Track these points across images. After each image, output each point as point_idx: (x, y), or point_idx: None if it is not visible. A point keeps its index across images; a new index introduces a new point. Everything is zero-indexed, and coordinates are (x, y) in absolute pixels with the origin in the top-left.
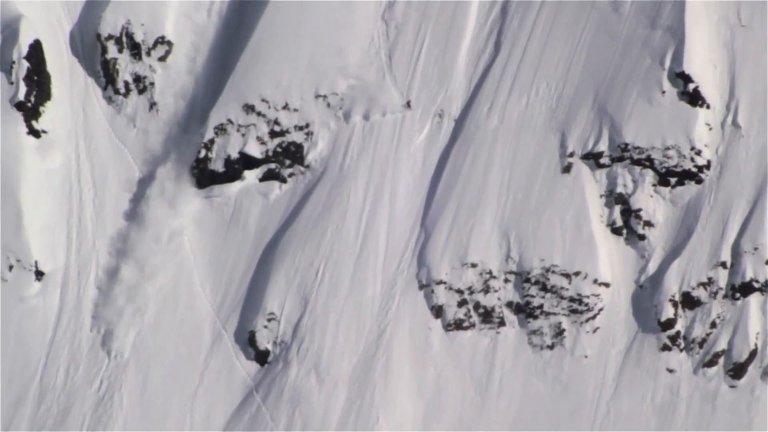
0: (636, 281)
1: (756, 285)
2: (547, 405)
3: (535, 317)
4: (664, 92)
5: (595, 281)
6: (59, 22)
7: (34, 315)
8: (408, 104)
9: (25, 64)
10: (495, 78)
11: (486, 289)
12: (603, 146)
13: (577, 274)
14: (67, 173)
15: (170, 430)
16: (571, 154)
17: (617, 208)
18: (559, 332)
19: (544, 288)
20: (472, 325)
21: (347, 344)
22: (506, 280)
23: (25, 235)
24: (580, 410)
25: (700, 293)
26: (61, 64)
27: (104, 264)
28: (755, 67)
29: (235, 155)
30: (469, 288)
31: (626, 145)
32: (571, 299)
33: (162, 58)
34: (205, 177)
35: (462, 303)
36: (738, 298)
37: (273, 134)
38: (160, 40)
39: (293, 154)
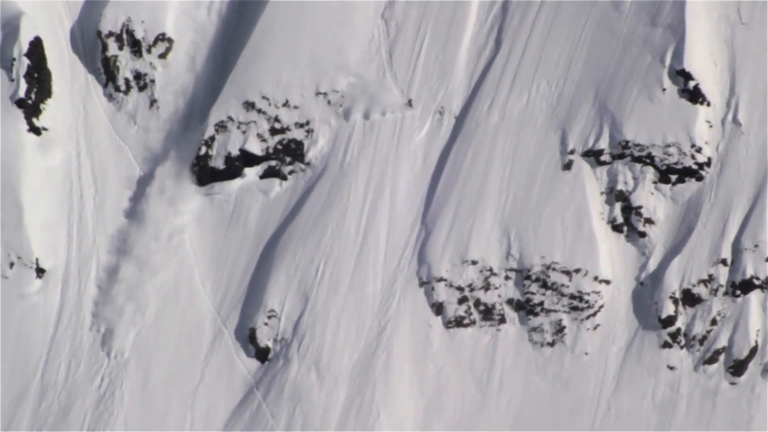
0: (636, 278)
1: (756, 282)
2: (548, 402)
3: (536, 314)
4: (664, 89)
5: (596, 278)
6: (60, 20)
7: (34, 312)
8: (409, 103)
9: (26, 61)
10: (495, 75)
11: (486, 287)
12: (603, 143)
13: (577, 271)
14: (67, 170)
15: (171, 427)
16: (572, 152)
17: (618, 206)
18: (560, 329)
19: (544, 285)
20: (473, 323)
21: (348, 341)
22: (507, 278)
23: (25, 233)
24: (580, 407)
25: (701, 290)
26: (61, 61)
27: (105, 262)
28: (755, 64)
29: (235, 152)
30: (470, 285)
31: (627, 142)
32: (572, 296)
33: (162, 56)
34: (205, 174)
35: (462, 300)
36: (738, 295)
37: (273, 131)
38: (161, 38)
39: (294, 151)
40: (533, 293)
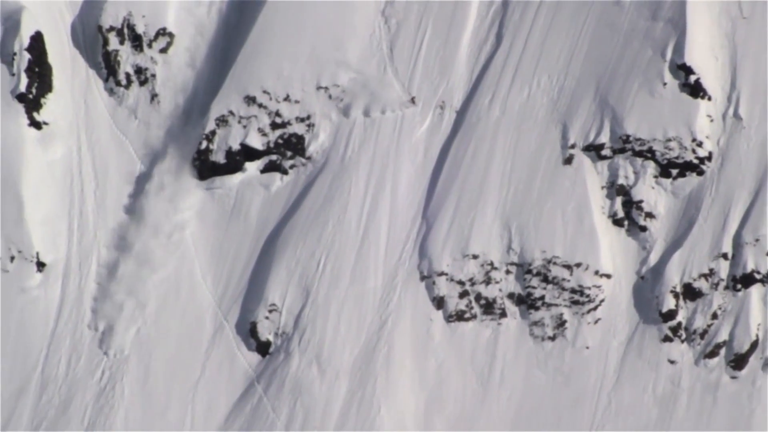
0: (637, 272)
1: (757, 276)
2: (549, 396)
3: (537, 308)
4: (665, 84)
5: (597, 272)
6: (61, 14)
7: (35, 306)
8: (413, 100)
9: (27, 56)
10: (496, 70)
11: (487, 281)
12: (604, 138)
13: (578, 265)
14: (68, 165)
15: (172, 421)
16: (573, 146)
17: (619, 200)
18: (561, 323)
19: (545, 279)
20: (474, 317)
21: (349, 335)
22: (508, 272)
23: (26, 227)
24: (581, 401)
25: (702, 284)
26: (62, 55)
27: (105, 256)
28: (756, 58)
29: (236, 147)
30: (471, 279)
31: (628, 136)
32: (573, 290)
33: (163, 50)
34: (206, 169)
35: (463, 294)
36: (739, 290)
37: (274, 126)
38: (162, 32)
39: (294, 145)
40: (534, 287)
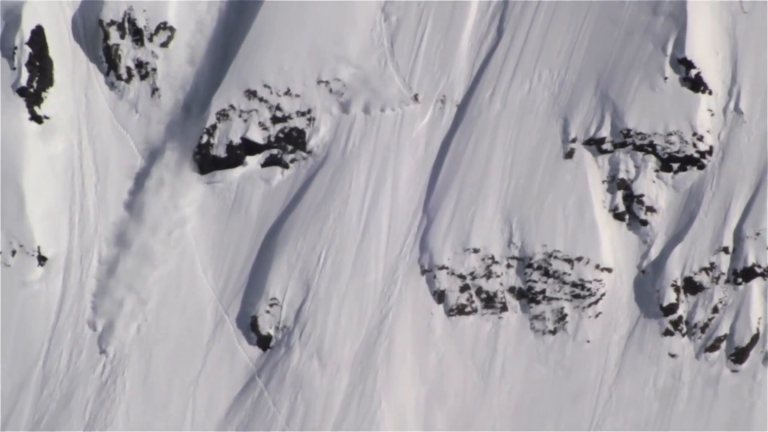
0: (638, 266)
1: (758, 270)
2: (550, 390)
3: (538, 302)
4: (666, 78)
5: (598, 266)
6: (61, 8)
7: (36, 300)
8: (416, 98)
9: (28, 50)
10: (497, 64)
11: (488, 275)
12: (605, 132)
13: (579, 259)
14: (69, 159)
15: (173, 415)
16: (574, 140)
17: (619, 194)
18: (562, 317)
19: (546, 273)
20: (475, 311)
21: (349, 329)
22: (508, 266)
23: (27, 221)
24: (582, 395)
25: (702, 278)
26: (63, 49)
27: (106, 250)
28: (757, 53)
29: (237, 141)
30: (472, 273)
31: (628, 130)
32: (574, 284)
33: (164, 44)
34: (207, 163)
35: (464, 288)
36: (740, 283)
37: (275, 120)
38: (162, 26)
39: (295, 139)
40: (535, 281)
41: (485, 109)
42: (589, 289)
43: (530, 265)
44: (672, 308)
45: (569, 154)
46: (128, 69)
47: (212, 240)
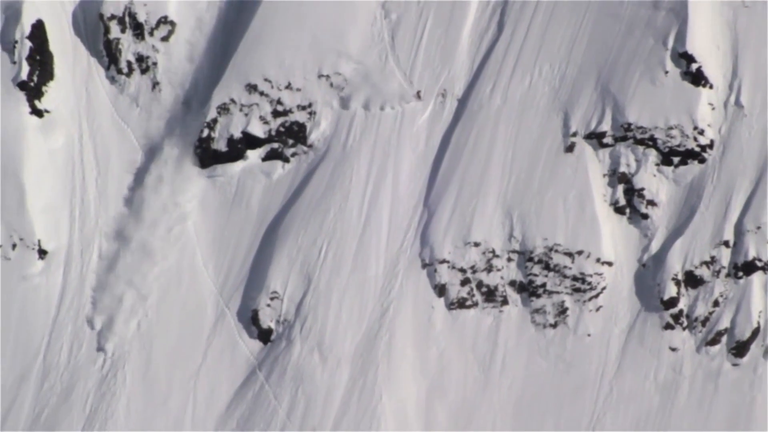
0: (639, 260)
1: (759, 264)
2: (550, 383)
3: (538, 296)
4: (667, 72)
5: (598, 260)
6: (62, 2)
7: (37, 293)
8: (418, 95)
9: (28, 44)
10: (498, 58)
11: (489, 268)
12: (606, 126)
13: (580, 253)
14: (69, 153)
15: (173, 408)
16: (574, 134)
17: (620, 188)
18: (562, 311)
19: (547, 267)
20: (475, 304)
21: (350, 323)
22: (509, 259)
23: (28, 214)
24: (582, 389)
25: (703, 272)
26: (63, 43)
27: (106, 246)
28: (758, 46)
29: (237, 135)
30: (472, 267)
31: (629, 124)
32: (574, 278)
33: (165, 38)
34: (207, 157)
35: (465, 282)
36: (741, 277)
37: (276, 114)
38: (163, 20)
39: (296, 133)
40: (536, 275)
41: (486, 104)
42: (589, 283)
43: (531, 259)
44: (673, 302)
45: (570, 148)
46: (129, 63)
47: (213, 234)
